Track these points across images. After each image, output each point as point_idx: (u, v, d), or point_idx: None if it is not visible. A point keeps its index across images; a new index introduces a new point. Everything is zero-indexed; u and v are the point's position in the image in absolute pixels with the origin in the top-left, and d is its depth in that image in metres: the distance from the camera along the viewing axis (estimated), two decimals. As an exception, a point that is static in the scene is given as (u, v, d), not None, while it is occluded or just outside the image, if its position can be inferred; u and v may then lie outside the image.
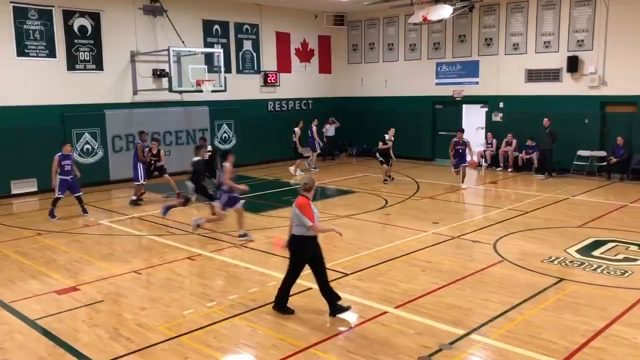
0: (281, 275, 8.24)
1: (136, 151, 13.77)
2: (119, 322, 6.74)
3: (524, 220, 11.48)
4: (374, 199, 13.98)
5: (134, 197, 13.73)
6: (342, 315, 6.87)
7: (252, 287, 7.86)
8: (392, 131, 16.27)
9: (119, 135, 16.76)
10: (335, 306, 6.75)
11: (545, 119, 16.43)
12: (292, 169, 18.27)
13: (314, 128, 19.26)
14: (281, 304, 6.87)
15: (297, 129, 18.32)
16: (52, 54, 15.49)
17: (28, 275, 8.55)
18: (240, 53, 19.99)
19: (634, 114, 16.29)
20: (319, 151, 19.50)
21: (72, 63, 15.92)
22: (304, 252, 6.75)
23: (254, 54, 20.41)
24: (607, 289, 7.59)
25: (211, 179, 13.34)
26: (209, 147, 14.99)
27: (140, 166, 13.63)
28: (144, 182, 13.80)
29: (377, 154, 16.19)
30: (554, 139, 16.37)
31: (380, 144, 16.13)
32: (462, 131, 15.66)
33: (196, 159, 11.57)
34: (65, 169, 12.18)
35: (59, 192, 12.21)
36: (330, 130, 21.44)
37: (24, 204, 14.33)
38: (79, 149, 16.03)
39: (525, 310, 6.84)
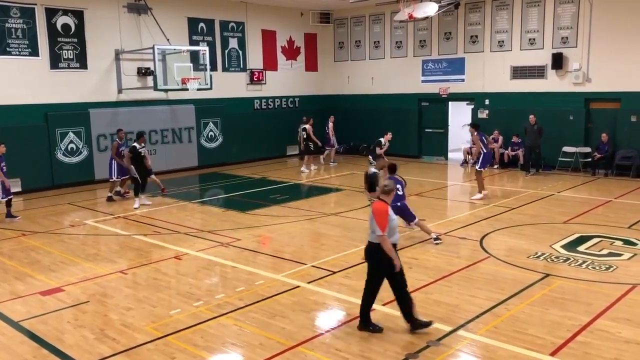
0: (268, 274, 8.26)
1: (113, 149, 13.95)
2: (105, 323, 6.68)
3: (510, 217, 11.55)
4: (361, 197, 13.96)
5: (109, 193, 13.88)
6: (335, 314, 6.87)
7: (239, 286, 7.83)
8: (389, 135, 15.97)
9: (103, 134, 16.60)
10: (415, 321, 6.16)
11: (531, 116, 16.52)
12: (304, 167, 18.23)
13: (331, 124, 19.79)
14: (365, 322, 6.26)
15: (307, 126, 18.38)
16: (35, 52, 15.29)
17: (12, 277, 8.44)
18: (226, 51, 19.89)
19: (618, 110, 16.45)
20: (336, 146, 19.96)
21: (56, 62, 15.72)
22: (381, 260, 6.06)
23: (240, 52, 20.32)
24: (592, 284, 7.66)
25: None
26: None
27: (114, 163, 13.74)
28: (117, 179, 13.87)
29: (371, 157, 15.99)
30: (541, 135, 16.44)
31: (378, 148, 15.95)
32: (475, 127, 13.77)
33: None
34: (4, 170, 11.88)
35: (2, 195, 11.92)
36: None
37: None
38: (63, 149, 15.86)
39: (511, 306, 6.88)
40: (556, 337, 6.03)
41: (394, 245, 6.18)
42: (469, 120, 19.97)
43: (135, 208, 12.94)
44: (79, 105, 16.21)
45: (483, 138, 13.49)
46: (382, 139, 15.86)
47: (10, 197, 12.09)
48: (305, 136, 18.33)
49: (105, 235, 10.98)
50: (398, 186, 9.14)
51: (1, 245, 10.22)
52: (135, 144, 13.26)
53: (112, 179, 13.87)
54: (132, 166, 13.05)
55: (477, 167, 13.45)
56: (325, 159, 19.87)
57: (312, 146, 18.39)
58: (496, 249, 9.27)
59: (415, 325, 6.17)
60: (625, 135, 16.29)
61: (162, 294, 7.63)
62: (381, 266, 6.12)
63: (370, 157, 16.04)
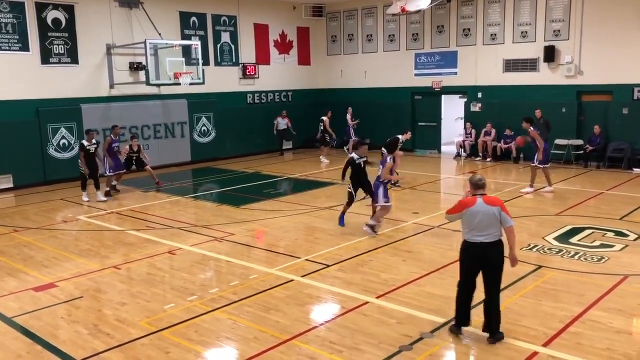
0: (262, 268, 8.26)
1: (105, 143, 13.91)
2: (99, 318, 6.67)
3: (503, 209, 11.57)
4: (355, 190, 13.98)
5: (107, 188, 13.82)
6: (329, 307, 6.90)
7: (233, 280, 7.83)
8: (408, 134, 14.60)
9: (96, 129, 16.43)
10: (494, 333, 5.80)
11: (537, 110, 16.15)
12: (322, 157, 18.82)
13: (349, 116, 20.24)
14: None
15: (325, 118, 18.88)
16: (25, 47, 15.17)
17: (4, 273, 8.41)
18: (218, 45, 19.81)
19: (610, 103, 16.53)
20: (354, 138, 19.99)
21: (46, 57, 15.61)
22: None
23: (232, 46, 20.24)
24: (584, 275, 7.71)
25: None
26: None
27: (106, 159, 13.71)
28: (112, 174, 13.85)
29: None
30: (549, 129, 16.12)
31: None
32: (529, 121, 13.24)
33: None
34: None
35: None
36: (281, 123, 20.68)
37: (-1, 201, 14.09)
38: (55, 144, 15.77)
39: (504, 298, 6.88)
40: (549, 328, 6.07)
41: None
42: (462, 114, 20.10)
43: (85, 201, 13.17)
44: (70, 101, 16.11)
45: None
46: (400, 136, 14.92)
47: None
48: (322, 128, 18.80)
49: (99, 230, 10.95)
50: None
51: (-7, 241, 10.17)
52: (83, 141, 13.26)
53: (107, 173, 13.78)
54: (83, 163, 13.02)
55: (537, 164, 12.94)
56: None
57: (327, 137, 18.93)
58: (489, 242, 9.29)
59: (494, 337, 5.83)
60: (617, 128, 16.38)
61: (156, 288, 7.62)
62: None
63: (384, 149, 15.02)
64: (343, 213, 10.60)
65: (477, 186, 5.83)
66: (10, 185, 14.97)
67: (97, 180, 13.33)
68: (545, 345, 5.70)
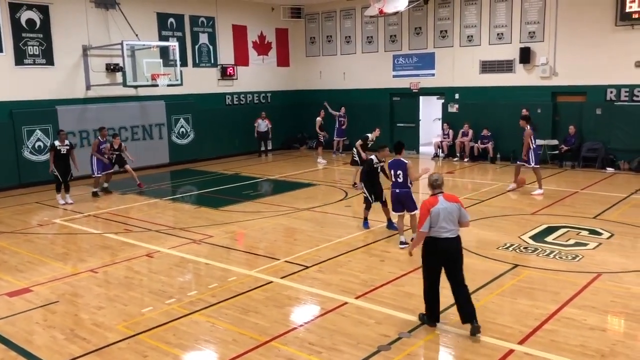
0: (241, 270, 8.25)
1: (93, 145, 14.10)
2: (75, 323, 6.59)
3: (480, 209, 11.73)
4: (334, 191, 14.04)
5: (94, 189, 13.96)
6: (308, 309, 6.92)
7: (212, 282, 7.80)
8: (377, 131, 14.60)
9: (72, 131, 16.26)
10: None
11: (524, 110, 16.18)
12: (319, 158, 19.05)
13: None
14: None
15: (318, 118, 19.29)
16: (-2, 48, 14.94)
17: (-22, 278, 8.26)
18: (197, 46, 19.70)
19: (584, 104, 16.81)
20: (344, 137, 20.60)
21: (21, 58, 15.37)
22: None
23: (211, 47, 20.14)
24: (559, 273, 7.84)
25: None
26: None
27: (94, 160, 13.85)
28: (100, 175, 13.96)
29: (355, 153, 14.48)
30: (534, 130, 16.32)
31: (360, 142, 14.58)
32: (526, 119, 13.31)
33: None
34: None
35: None
36: (261, 125, 20.67)
37: (-28, 205, 13.82)
38: (30, 147, 15.53)
39: (481, 297, 7.00)
40: (524, 325, 6.16)
41: None
42: (439, 115, 20.27)
43: (62, 204, 13.09)
44: (45, 103, 15.89)
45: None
46: (369, 135, 14.92)
47: None
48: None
49: (75, 234, 10.81)
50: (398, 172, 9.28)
51: (-34, 246, 9.98)
52: (55, 142, 13.23)
53: (95, 175, 13.90)
54: (53, 165, 12.94)
55: (532, 165, 12.97)
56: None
57: (321, 138, 19.31)
58: (466, 241, 9.26)
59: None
60: (591, 128, 16.67)
61: (133, 292, 7.56)
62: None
63: (354, 151, 14.99)
64: (365, 218, 10.48)
65: (434, 186, 6.21)
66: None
67: (67, 183, 13.19)
68: (520, 343, 5.79)
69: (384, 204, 10.18)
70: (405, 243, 9.02)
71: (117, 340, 6.06)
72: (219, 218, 11.59)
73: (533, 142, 13.04)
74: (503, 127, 17.85)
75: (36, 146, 15.69)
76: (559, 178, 15.38)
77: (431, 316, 6.20)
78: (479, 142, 18.29)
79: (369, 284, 7.52)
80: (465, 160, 18.40)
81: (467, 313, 5.96)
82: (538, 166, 13.21)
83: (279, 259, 8.74)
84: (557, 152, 17.04)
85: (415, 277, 7.73)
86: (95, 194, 13.89)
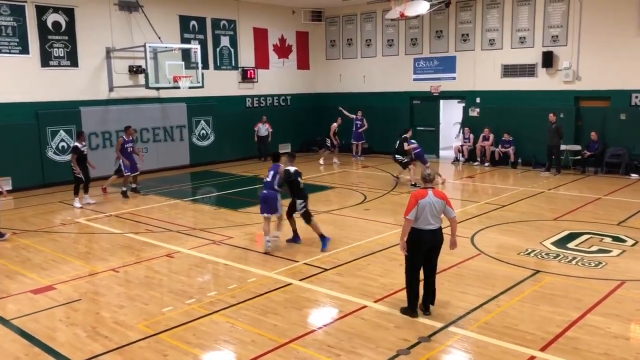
0: (260, 272, 8.27)
1: (119, 144, 14.12)
2: (97, 321, 6.67)
3: (501, 214, 11.63)
4: (353, 195, 14.03)
5: (124, 189, 14.03)
6: (327, 311, 6.92)
7: (231, 283, 7.84)
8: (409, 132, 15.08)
9: (95, 132, 16.54)
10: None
11: (551, 114, 16.19)
12: (321, 160, 19.40)
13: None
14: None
15: (334, 124, 19.36)
16: (25, 50, 15.19)
17: (3, 275, 8.40)
18: (218, 49, 19.85)
19: (607, 108, 16.58)
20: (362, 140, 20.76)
21: (46, 59, 15.63)
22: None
23: (232, 50, 20.29)
24: (581, 280, 7.73)
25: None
26: None
27: (121, 160, 13.91)
28: (129, 173, 14.00)
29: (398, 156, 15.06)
30: (560, 135, 16.11)
31: (405, 144, 14.80)
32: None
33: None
34: None
35: None
36: (261, 129, 20.38)
37: (-3, 203, 14.07)
38: (54, 147, 15.79)
39: (502, 302, 6.94)
40: (546, 332, 6.09)
41: None
42: (460, 119, 20.16)
43: (78, 207, 13.02)
44: (70, 104, 16.13)
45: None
46: (407, 135, 14.90)
47: None
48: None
49: (97, 233, 10.95)
50: (270, 171, 9.39)
51: (-8, 244, 10.17)
52: (76, 143, 13.30)
53: (125, 173, 13.93)
54: (77, 166, 13.00)
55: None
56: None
57: (328, 142, 19.40)
58: (487, 246, 9.34)
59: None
60: (614, 133, 16.42)
61: (154, 291, 7.63)
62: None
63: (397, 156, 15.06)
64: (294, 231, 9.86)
65: (427, 180, 6.61)
66: (9, 187, 14.92)
67: (88, 184, 13.38)
68: (542, 349, 5.72)
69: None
70: (268, 241, 9.24)
71: (138, 339, 6.12)
72: (238, 219, 11.64)
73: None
74: (524, 131, 17.69)
75: (60, 146, 15.94)
76: (582, 184, 15.17)
77: (413, 307, 6.58)
78: (500, 146, 18.13)
79: (388, 288, 7.49)
80: (486, 164, 18.25)
81: (430, 300, 6.66)
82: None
83: (297, 261, 8.75)
84: (579, 157, 16.81)
85: (437, 281, 7.70)
86: (124, 194, 13.97)
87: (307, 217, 9.43)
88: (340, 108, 20.16)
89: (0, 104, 14.82)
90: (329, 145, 19.40)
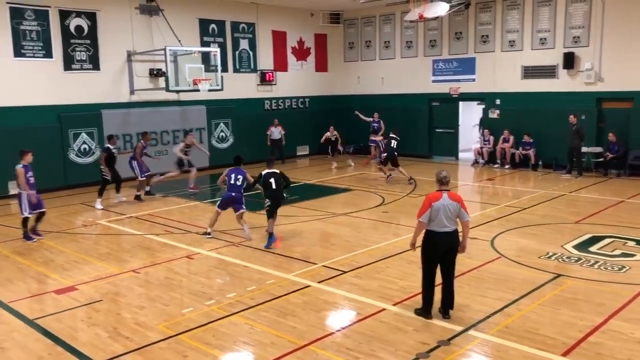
0: (279, 273, 8.30)
1: (135, 149, 14.21)
2: (118, 321, 6.75)
3: (521, 217, 11.51)
4: (371, 197, 14.00)
5: (138, 192, 14.12)
6: (345, 314, 6.92)
7: (250, 285, 7.87)
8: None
9: (116, 134, 16.64)
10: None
11: (571, 116, 16.03)
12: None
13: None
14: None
15: (327, 134, 19.29)
16: (48, 54, 15.46)
17: (27, 275, 8.56)
18: (237, 52, 19.98)
19: (631, 110, 16.32)
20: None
21: (69, 63, 15.88)
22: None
23: (251, 53, 20.40)
24: (604, 284, 7.62)
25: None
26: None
27: (134, 163, 14.03)
28: (144, 178, 14.12)
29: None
30: (581, 137, 15.92)
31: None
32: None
33: None
34: (31, 182, 10.47)
35: (29, 210, 10.44)
36: (274, 133, 20.17)
37: (21, 205, 14.30)
38: (76, 149, 16.02)
39: (522, 306, 6.87)
40: (568, 337, 6.01)
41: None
42: (479, 121, 20.02)
43: (99, 209, 13.20)
44: (91, 106, 16.36)
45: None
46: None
47: (42, 211, 10.64)
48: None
49: (118, 234, 11.08)
50: (239, 176, 10.35)
51: (16, 244, 10.35)
52: (108, 145, 13.63)
53: (140, 177, 14.03)
54: (106, 167, 13.33)
55: None
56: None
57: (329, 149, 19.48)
58: (507, 249, 9.26)
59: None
60: (638, 135, 16.16)
61: (174, 292, 7.69)
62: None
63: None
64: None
65: (442, 182, 6.51)
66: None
67: (119, 184, 13.76)
68: (564, 354, 5.65)
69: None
70: (209, 234, 10.39)
71: (158, 340, 6.18)
72: (257, 221, 11.67)
73: None
74: (545, 133, 17.51)
75: (81, 149, 16.17)
76: (604, 186, 14.96)
77: (428, 309, 6.56)
78: (520, 148, 17.95)
79: (407, 291, 7.46)
80: (506, 167, 18.09)
81: (449, 304, 6.57)
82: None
83: (315, 264, 8.76)
84: (601, 159, 16.57)
85: (455, 284, 7.64)
86: (138, 197, 14.06)
87: (269, 213, 9.99)
88: (357, 112, 20.09)
89: (24, 107, 15.09)
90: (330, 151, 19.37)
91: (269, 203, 9.92)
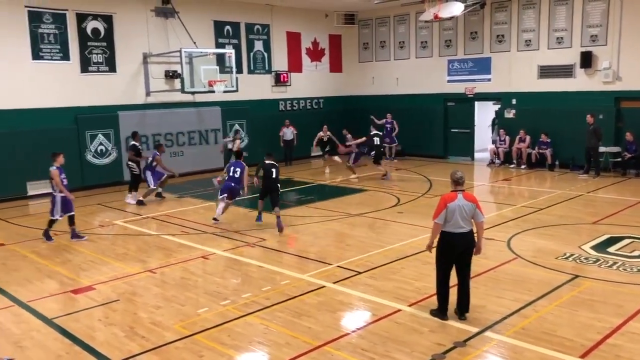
0: (294, 274, 8.31)
1: (153, 160, 14.01)
2: (135, 321, 6.81)
3: (538, 217, 11.40)
4: (386, 197, 13.97)
5: (142, 198, 13.94)
6: (361, 314, 6.91)
7: (265, 285, 7.89)
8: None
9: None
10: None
11: (588, 116, 15.87)
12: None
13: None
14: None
15: (320, 133, 18.86)
16: (66, 56, 15.64)
17: (45, 275, 8.66)
18: (252, 53, 20.06)
19: (650, 109, 16.11)
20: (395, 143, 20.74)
21: (86, 65, 16.06)
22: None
23: (265, 54, 20.46)
24: (623, 285, 7.52)
25: None
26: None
27: (149, 173, 13.98)
28: (155, 187, 14.11)
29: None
30: (599, 137, 15.74)
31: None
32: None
33: None
34: (64, 183, 10.57)
35: (60, 213, 10.56)
36: (287, 133, 20.07)
37: (39, 205, 14.45)
38: (93, 150, 16.19)
39: (539, 308, 6.80)
40: (586, 339, 5.94)
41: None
42: (495, 121, 19.88)
43: (132, 203, 13.77)
44: (108, 108, 16.52)
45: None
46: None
47: (72, 214, 10.65)
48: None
49: (134, 235, 11.17)
50: (237, 169, 11.49)
51: (34, 245, 10.48)
52: (134, 142, 14.22)
53: (151, 186, 13.96)
54: (134, 164, 13.96)
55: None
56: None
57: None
58: (523, 250, 9.17)
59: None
60: (657, 134, 15.94)
61: (190, 293, 7.74)
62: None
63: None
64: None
65: (457, 183, 6.47)
66: (50, 190, 15.34)
67: (139, 183, 14.13)
68: (582, 357, 5.58)
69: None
70: (216, 220, 11.54)
71: (174, 340, 6.21)
72: (272, 221, 11.70)
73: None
74: (562, 133, 17.33)
75: (98, 150, 16.33)
76: (622, 187, 14.76)
77: (443, 310, 6.53)
78: (537, 147, 17.77)
79: (423, 292, 7.43)
80: (522, 167, 17.94)
81: (464, 306, 6.53)
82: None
83: (330, 264, 8.76)
84: (619, 159, 16.36)
85: (471, 286, 7.59)
86: (140, 202, 13.78)
87: (261, 197, 11.37)
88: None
89: (42, 109, 15.28)
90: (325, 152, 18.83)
91: (262, 189, 11.23)
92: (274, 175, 11.05)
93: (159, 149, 14.47)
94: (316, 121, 21.40)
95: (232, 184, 11.42)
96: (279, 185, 11.21)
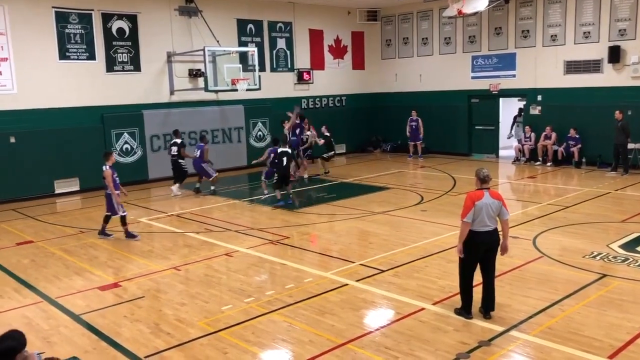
0: (317, 272, 8.32)
1: (202, 152, 14.80)
2: (160, 318, 6.88)
3: (564, 215, 11.22)
4: (410, 195, 13.89)
5: (213, 187, 14.99)
6: (384, 313, 6.89)
7: (288, 283, 7.91)
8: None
9: (156, 134, 17.08)
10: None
11: (617, 112, 15.55)
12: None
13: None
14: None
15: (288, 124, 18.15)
16: (92, 56, 15.87)
17: (72, 272, 8.81)
18: (274, 51, 20.10)
19: (680, 105, 15.72)
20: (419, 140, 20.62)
21: (111, 65, 16.28)
22: None
23: (288, 52, 20.49)
24: (652, 285, 7.36)
25: None
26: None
27: (205, 165, 14.88)
28: (215, 174, 14.99)
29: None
30: (627, 134, 15.42)
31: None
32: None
33: None
34: (116, 182, 10.65)
35: (122, 209, 10.63)
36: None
37: (67, 203, 14.76)
38: (118, 149, 16.41)
39: (566, 307, 6.69)
40: (615, 339, 5.83)
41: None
42: (521, 118, 19.60)
43: (178, 194, 14.52)
44: (133, 107, 16.73)
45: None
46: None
47: (124, 214, 10.66)
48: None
49: (159, 232, 11.30)
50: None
51: (62, 242, 10.67)
52: (179, 139, 14.93)
53: (213, 175, 14.89)
54: (184, 160, 14.78)
55: None
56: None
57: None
58: (550, 249, 9.04)
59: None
60: (688, 131, 15.55)
61: (213, 290, 7.80)
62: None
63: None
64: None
65: (483, 181, 6.40)
66: (77, 188, 15.67)
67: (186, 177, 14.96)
68: (611, 357, 5.48)
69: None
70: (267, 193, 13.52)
71: (199, 336, 6.27)
72: (294, 220, 11.75)
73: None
74: (589, 130, 17.02)
75: (124, 148, 16.55)
76: (652, 184, 14.45)
77: (468, 309, 6.49)
78: (565, 143, 17.45)
79: (447, 291, 7.37)
80: (548, 164, 17.66)
81: (489, 305, 6.49)
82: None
83: (353, 262, 8.74)
84: (649, 156, 16.01)
85: (496, 284, 7.49)
86: (213, 192, 14.84)
87: (276, 185, 13.21)
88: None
89: (68, 108, 15.54)
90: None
91: (277, 177, 12.78)
92: (284, 164, 12.26)
93: (203, 140, 15.12)
94: (339, 119, 21.44)
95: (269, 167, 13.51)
96: (291, 174, 12.46)
